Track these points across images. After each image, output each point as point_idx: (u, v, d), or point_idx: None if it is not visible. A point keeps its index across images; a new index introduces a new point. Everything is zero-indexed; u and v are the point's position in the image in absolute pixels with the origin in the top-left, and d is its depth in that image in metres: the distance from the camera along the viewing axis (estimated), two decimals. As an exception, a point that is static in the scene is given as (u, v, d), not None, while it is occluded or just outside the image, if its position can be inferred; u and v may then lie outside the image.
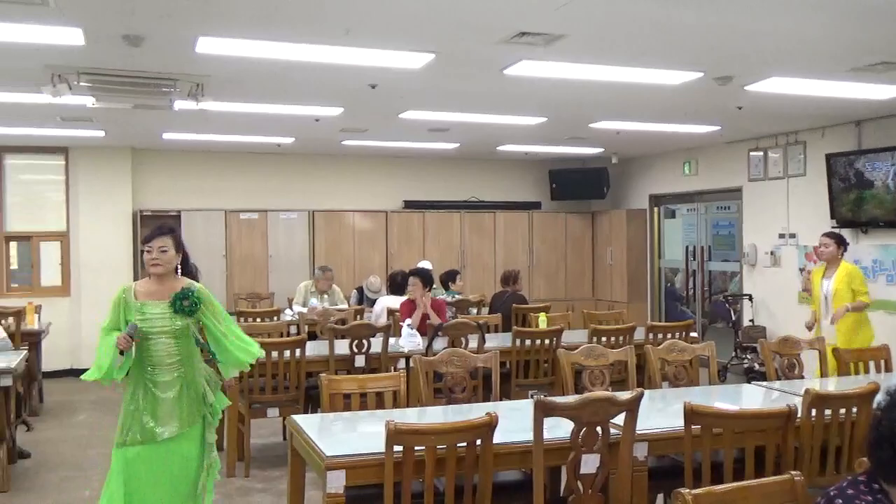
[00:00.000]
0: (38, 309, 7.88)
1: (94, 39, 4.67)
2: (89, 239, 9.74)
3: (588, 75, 5.69)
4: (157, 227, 4.03)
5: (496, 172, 11.74)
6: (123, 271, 9.60)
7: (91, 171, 9.80)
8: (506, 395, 5.90)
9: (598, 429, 3.21)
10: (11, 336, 6.49)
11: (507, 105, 7.13)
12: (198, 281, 4.12)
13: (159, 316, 3.86)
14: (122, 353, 3.74)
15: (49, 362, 8.77)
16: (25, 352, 6.12)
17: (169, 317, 3.86)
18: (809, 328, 6.44)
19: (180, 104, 6.06)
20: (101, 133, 8.61)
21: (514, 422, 3.46)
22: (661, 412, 4.04)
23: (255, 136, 9.05)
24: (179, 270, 4.01)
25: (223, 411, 4.15)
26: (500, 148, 10.22)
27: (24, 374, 6.40)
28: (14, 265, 9.90)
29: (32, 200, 10.00)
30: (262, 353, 4.29)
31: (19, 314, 7.35)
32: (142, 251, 3.94)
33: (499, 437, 3.11)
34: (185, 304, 3.86)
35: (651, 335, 6.30)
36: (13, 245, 9.85)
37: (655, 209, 11.35)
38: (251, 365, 4.17)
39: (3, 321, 6.73)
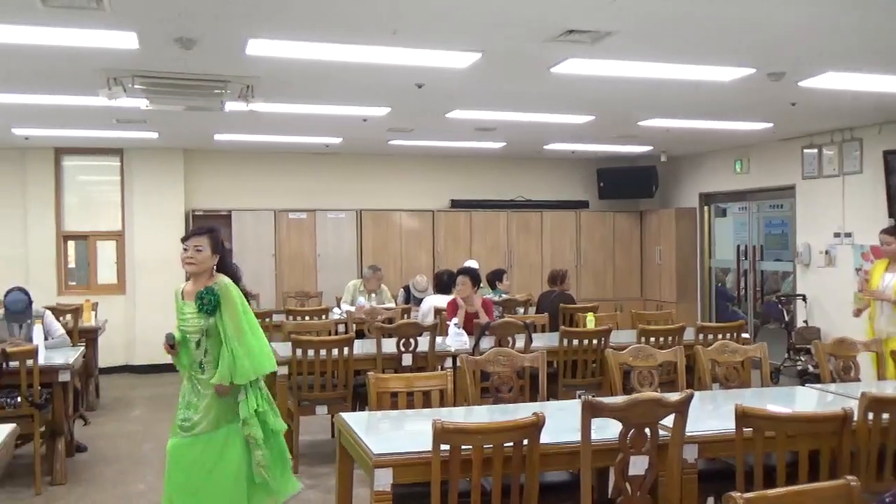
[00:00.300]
0: (94, 306, 8.08)
1: (147, 43, 4.78)
2: (143, 238, 9.96)
3: (637, 72, 5.63)
4: (195, 226, 4.19)
5: (543, 171, 11.69)
6: (176, 270, 9.72)
7: (145, 171, 10.02)
8: (553, 395, 5.87)
9: (647, 430, 3.17)
10: (69, 333, 6.66)
11: (554, 104, 7.09)
12: (239, 282, 4.16)
13: (192, 315, 3.99)
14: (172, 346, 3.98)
15: (105, 359, 9.00)
16: (82, 348, 6.29)
17: (198, 316, 3.97)
18: (857, 315, 6.33)
19: (231, 105, 6.15)
20: (155, 135, 8.80)
21: (561, 422, 3.44)
22: (711, 414, 3.97)
23: (304, 137, 9.16)
24: (215, 269, 4.08)
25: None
26: (547, 147, 10.16)
27: (82, 370, 6.58)
28: (72, 264, 10.17)
29: (89, 201, 10.27)
30: (264, 370, 4.06)
31: (77, 312, 7.56)
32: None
33: (546, 438, 3.09)
34: (205, 302, 3.93)
35: (701, 336, 6.21)
36: (71, 244, 10.12)
37: (706, 208, 11.18)
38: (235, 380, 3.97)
39: (61, 318, 6.91)
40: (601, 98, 6.80)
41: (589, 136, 9.22)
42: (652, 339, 6.01)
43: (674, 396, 3.27)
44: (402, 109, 7.28)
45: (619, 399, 3.31)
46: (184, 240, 4.08)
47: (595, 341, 6.12)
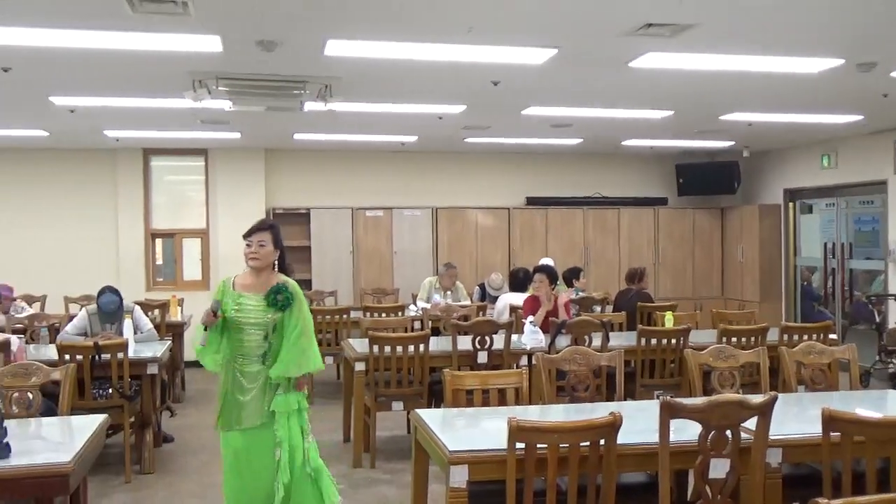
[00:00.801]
0: (180, 302, 8.36)
1: (230, 46, 4.91)
2: (226, 236, 10.24)
3: (718, 65, 5.49)
4: (258, 222, 4.26)
5: (620, 167, 11.52)
6: (257, 267, 10.05)
7: (228, 171, 10.30)
8: (630, 395, 5.79)
9: (728, 433, 3.10)
10: (157, 327, 6.90)
11: (632, 99, 6.98)
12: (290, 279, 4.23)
13: (253, 308, 4.05)
14: (205, 328, 4.04)
15: (190, 353, 9.25)
16: (169, 342, 6.52)
17: (262, 309, 4.03)
18: None
19: (310, 105, 6.27)
20: (238, 135, 9.04)
21: (638, 422, 3.39)
22: (796, 417, 3.85)
23: (380, 136, 9.26)
24: (276, 266, 4.18)
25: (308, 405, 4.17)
26: (625, 142, 10.01)
27: (169, 363, 6.81)
28: (159, 261, 10.55)
29: (176, 200, 10.63)
30: (316, 368, 4.14)
31: (164, 307, 7.84)
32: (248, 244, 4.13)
33: (623, 438, 3.05)
34: (279, 299, 4.01)
35: (786, 336, 6.01)
36: (158, 242, 10.49)
37: (790, 204, 10.81)
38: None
39: (149, 313, 7.17)
40: (681, 92, 6.65)
41: (668, 132, 9.04)
42: (733, 340, 5.86)
43: (757, 398, 3.18)
44: (478, 107, 7.29)
45: (699, 400, 3.24)
46: (246, 235, 4.19)
47: (674, 341, 6.00)
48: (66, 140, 9.25)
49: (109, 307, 6.11)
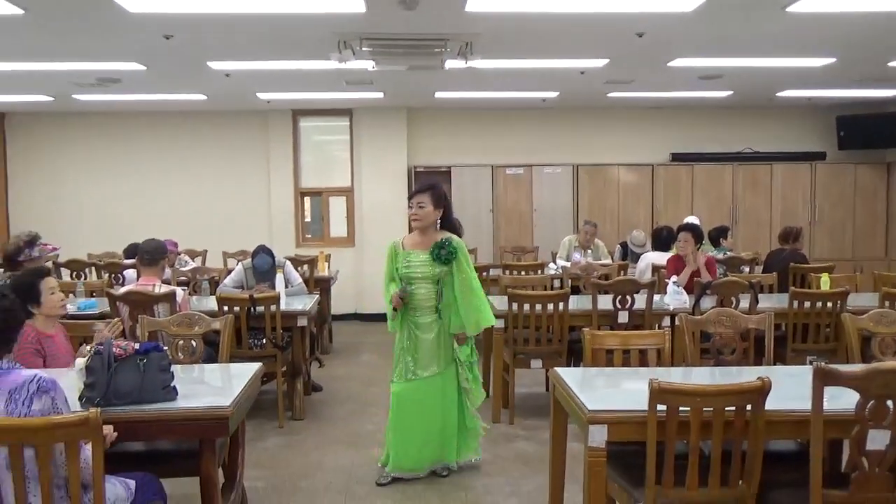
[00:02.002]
0: (328, 258, 8.71)
1: (373, 5, 4.98)
2: (370, 194, 10.54)
3: (889, 5, 5.04)
4: (419, 184, 4.62)
5: (774, 121, 10.89)
6: (399, 224, 10.28)
7: (372, 130, 10.54)
8: (780, 359, 5.55)
9: (889, 403, 2.90)
10: (306, 282, 7.21)
11: (788, 46, 6.55)
12: (460, 235, 4.59)
13: (421, 263, 4.44)
14: (395, 310, 4.44)
15: (337, 306, 9.69)
16: (317, 296, 6.81)
17: (429, 264, 4.43)
18: None
19: (451, 63, 6.29)
20: (381, 94, 9.21)
21: (789, 389, 3.24)
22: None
23: (521, 92, 9.17)
24: (439, 224, 4.51)
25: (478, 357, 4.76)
26: (780, 94, 9.44)
27: (317, 316, 7.12)
28: (308, 218, 10.99)
29: (323, 159, 11.00)
30: (489, 324, 4.67)
31: (312, 262, 8.18)
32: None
33: (772, 404, 2.93)
34: (443, 253, 4.40)
35: (958, 301, 5.55)
36: (307, 200, 10.93)
37: (969, 158, 9.90)
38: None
39: (299, 268, 7.50)
40: (844, 37, 6.18)
41: (828, 81, 8.43)
42: (898, 304, 5.47)
43: (923, 367, 2.96)
44: (622, 60, 7.07)
45: (858, 367, 3.05)
46: (409, 198, 4.54)
47: (829, 304, 5.67)
48: (222, 103, 9.75)
49: (263, 267, 6.43)
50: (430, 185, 4.52)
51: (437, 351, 4.51)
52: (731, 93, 9.27)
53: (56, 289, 3.91)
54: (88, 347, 3.23)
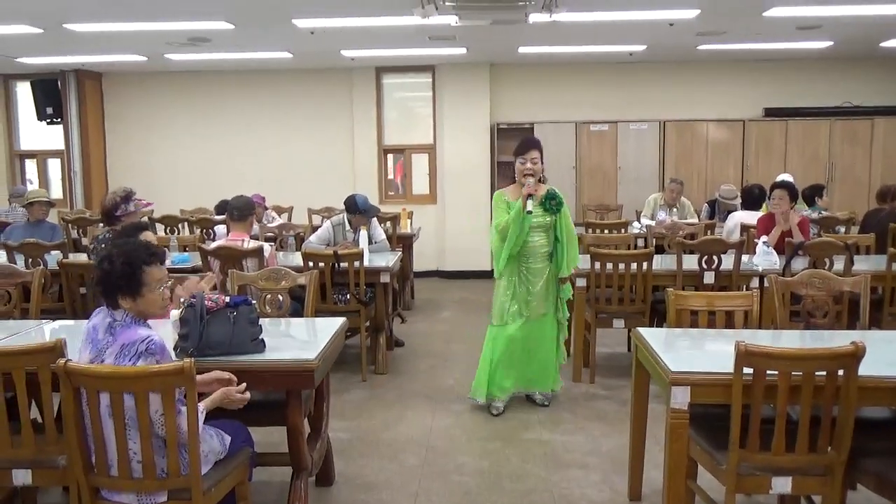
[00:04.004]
0: (410, 215, 8.76)
1: (456, -39, 4.92)
2: (452, 151, 10.52)
3: None
4: (527, 140, 5.01)
5: (876, 73, 10.32)
6: (482, 180, 10.26)
7: (454, 86, 10.49)
8: (875, 323, 5.34)
9: None
10: (389, 239, 7.29)
11: (896, -7, 6.18)
12: None
13: (533, 213, 4.76)
14: (529, 196, 4.69)
15: (419, 264, 9.79)
16: (400, 253, 6.88)
17: (541, 214, 4.83)
18: None
19: (535, 17, 6.18)
20: (463, 50, 9.14)
21: (885, 354, 3.13)
22: None
23: (607, 46, 8.95)
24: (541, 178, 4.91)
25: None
26: (884, 44, 8.93)
27: (399, 272, 7.22)
28: (390, 175, 11.08)
29: (405, 116, 11.03)
30: (577, 264, 5.08)
31: (395, 219, 8.26)
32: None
33: (865, 370, 2.83)
34: (553, 204, 4.84)
35: None
36: (390, 157, 11.00)
37: None
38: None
39: (382, 225, 7.59)
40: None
41: (939, 30, 7.94)
42: None
43: None
44: (714, 10, 6.80)
45: (960, 334, 2.92)
46: (520, 153, 4.89)
47: (932, 267, 5.41)
48: (307, 60, 9.86)
49: (363, 202, 6.39)
50: (537, 142, 4.98)
51: (547, 294, 4.96)
52: (830, 43, 8.83)
53: (155, 242, 4.08)
54: (182, 299, 3.35)
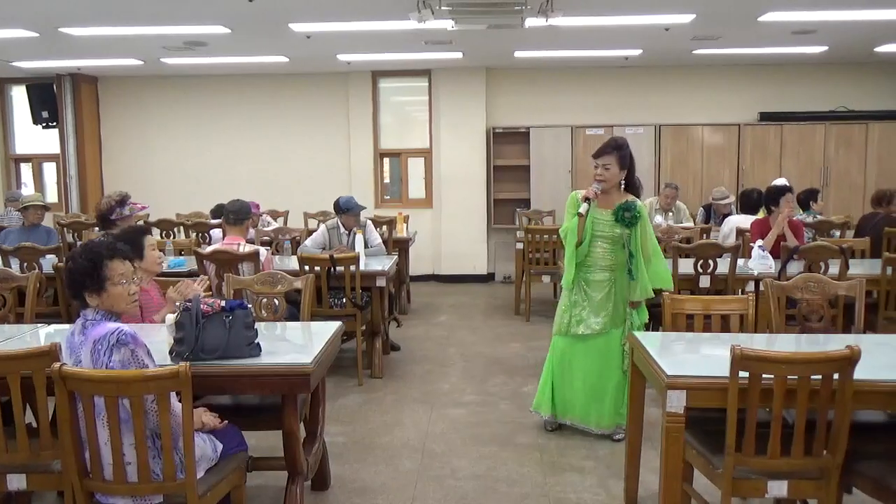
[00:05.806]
0: (406, 219, 8.76)
1: (453, -35, 4.93)
2: (449, 155, 10.52)
3: None
4: (605, 143, 4.51)
5: (871, 78, 10.36)
6: (478, 185, 10.26)
7: (450, 90, 10.50)
8: (871, 327, 5.35)
9: None
10: (385, 243, 7.28)
11: (891, -2, 6.21)
12: (638, 196, 4.53)
13: (601, 222, 4.40)
14: (587, 200, 4.33)
15: (415, 268, 9.78)
16: (396, 257, 6.88)
17: (610, 224, 4.41)
18: None
19: (531, 21, 6.18)
20: (459, 54, 9.15)
21: (879, 358, 3.13)
22: None
23: (603, 50, 8.97)
24: (623, 185, 4.47)
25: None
26: (879, 49, 8.96)
27: (395, 276, 7.21)
28: (387, 179, 11.08)
29: (401, 120, 11.03)
30: (669, 288, 4.40)
31: (391, 223, 8.26)
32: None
33: (861, 373, 2.83)
34: (627, 216, 4.37)
35: None
36: (386, 161, 11.00)
37: None
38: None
39: (378, 229, 7.58)
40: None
41: (933, 35, 7.97)
42: None
43: None
44: (709, 15, 6.82)
45: (955, 338, 2.93)
46: (595, 156, 4.50)
47: (927, 271, 5.42)
48: (303, 64, 9.86)
49: (349, 204, 6.52)
50: (616, 146, 4.46)
51: (607, 310, 4.50)
52: (825, 48, 8.86)
53: (156, 246, 4.13)
54: (178, 303, 3.34)
